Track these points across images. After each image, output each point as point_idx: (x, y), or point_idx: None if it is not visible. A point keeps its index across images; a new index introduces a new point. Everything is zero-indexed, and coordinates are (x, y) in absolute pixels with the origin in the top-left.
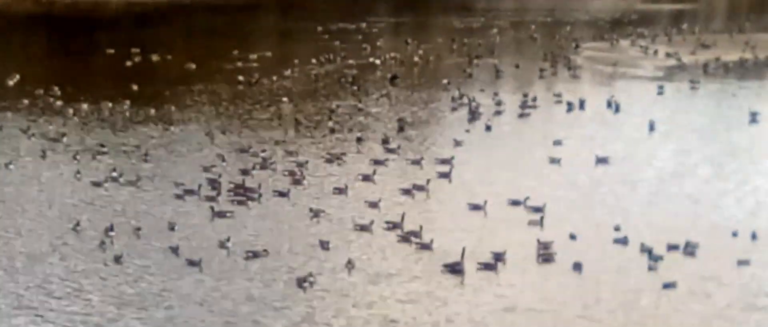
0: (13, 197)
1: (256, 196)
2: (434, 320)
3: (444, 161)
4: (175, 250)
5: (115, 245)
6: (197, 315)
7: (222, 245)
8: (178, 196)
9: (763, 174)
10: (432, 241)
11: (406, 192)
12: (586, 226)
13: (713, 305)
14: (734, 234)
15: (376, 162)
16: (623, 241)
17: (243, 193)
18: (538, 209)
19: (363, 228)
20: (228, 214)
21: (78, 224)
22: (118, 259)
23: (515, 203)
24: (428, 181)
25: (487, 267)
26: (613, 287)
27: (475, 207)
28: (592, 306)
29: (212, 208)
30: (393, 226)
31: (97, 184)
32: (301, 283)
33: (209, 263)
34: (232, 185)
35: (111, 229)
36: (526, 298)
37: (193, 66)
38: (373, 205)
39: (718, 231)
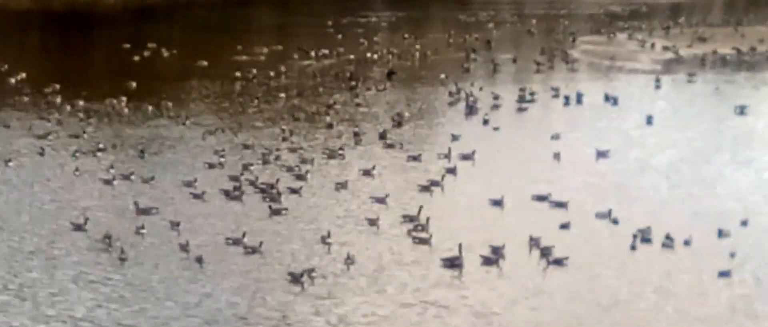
0: (12, 195)
1: (274, 192)
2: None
3: (465, 157)
4: (184, 247)
5: (119, 242)
6: (196, 310)
7: (230, 241)
8: (196, 196)
9: (760, 163)
10: (431, 235)
11: (425, 188)
12: (594, 220)
13: (720, 298)
14: (744, 223)
15: (375, 157)
16: (627, 233)
17: (265, 191)
18: (561, 204)
19: (371, 222)
20: (231, 210)
21: (86, 222)
22: (122, 255)
23: (540, 198)
24: (443, 176)
25: (487, 262)
26: (621, 280)
27: (496, 202)
28: (602, 300)
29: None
30: (409, 219)
31: (106, 182)
32: (298, 277)
33: (212, 259)
34: (248, 182)
35: (114, 226)
36: (542, 288)
37: (205, 63)
38: (380, 200)
39: (721, 222)
